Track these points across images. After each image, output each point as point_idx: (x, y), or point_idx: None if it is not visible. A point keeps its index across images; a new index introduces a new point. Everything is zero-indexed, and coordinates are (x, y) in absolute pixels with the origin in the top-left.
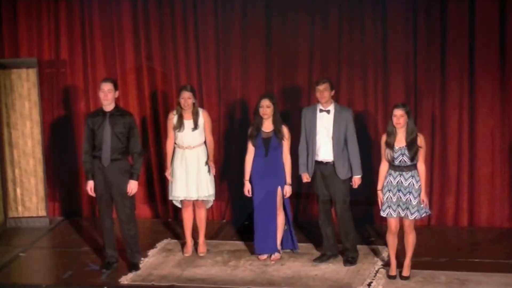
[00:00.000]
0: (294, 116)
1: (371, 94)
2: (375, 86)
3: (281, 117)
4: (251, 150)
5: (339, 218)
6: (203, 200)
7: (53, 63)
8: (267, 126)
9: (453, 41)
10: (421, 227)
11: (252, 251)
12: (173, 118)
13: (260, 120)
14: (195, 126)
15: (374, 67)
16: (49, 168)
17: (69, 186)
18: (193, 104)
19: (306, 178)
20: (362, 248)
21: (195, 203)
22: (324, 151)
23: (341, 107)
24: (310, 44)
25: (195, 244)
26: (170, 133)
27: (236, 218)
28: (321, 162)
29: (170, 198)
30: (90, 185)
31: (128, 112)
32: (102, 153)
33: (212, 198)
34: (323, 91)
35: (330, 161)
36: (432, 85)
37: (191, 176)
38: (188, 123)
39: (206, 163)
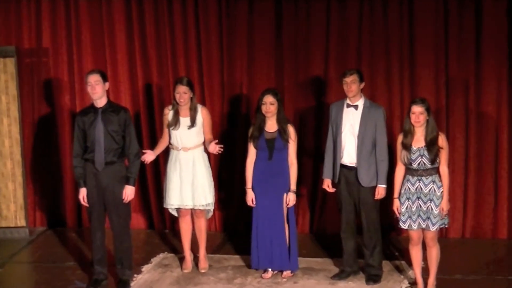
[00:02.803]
0: (307, 113)
1: (396, 88)
2: (401, 79)
3: (286, 115)
4: (252, 153)
5: (365, 231)
6: (201, 210)
7: (34, 52)
8: (271, 126)
9: (490, 26)
10: (453, 240)
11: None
12: (168, 114)
13: (262, 118)
14: (192, 124)
15: (399, 58)
16: (29, 171)
17: (52, 192)
18: (191, 99)
19: (327, 185)
20: (386, 265)
21: (193, 212)
22: (349, 152)
23: (372, 103)
24: (326, 31)
25: (195, 259)
26: (165, 129)
27: (242, 229)
28: (345, 166)
29: (165, 206)
30: (83, 193)
31: (123, 107)
32: (95, 155)
33: (210, 208)
34: (351, 83)
35: (354, 165)
36: (466, 77)
37: (186, 182)
38: (185, 120)
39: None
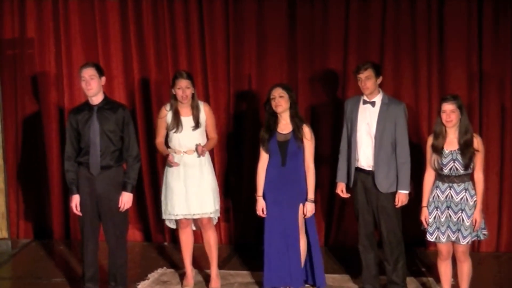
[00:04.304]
0: (323, 110)
1: (423, 83)
2: (429, 74)
3: (301, 114)
4: (264, 158)
5: (386, 243)
6: (209, 218)
7: (17, 43)
8: (284, 127)
9: None
10: (487, 254)
11: None
12: (167, 116)
13: (273, 118)
14: (197, 125)
15: (426, 51)
16: (11, 176)
17: (38, 200)
18: (193, 95)
19: (341, 190)
20: (411, 282)
21: (199, 224)
22: (365, 154)
23: (392, 99)
24: (345, 19)
25: (206, 277)
26: (161, 132)
27: (250, 242)
28: (362, 170)
29: (164, 217)
30: (76, 200)
31: (121, 105)
32: (89, 158)
33: (216, 215)
34: (366, 80)
35: (372, 168)
36: (502, 73)
37: (192, 188)
38: (187, 120)
39: (196, 149)
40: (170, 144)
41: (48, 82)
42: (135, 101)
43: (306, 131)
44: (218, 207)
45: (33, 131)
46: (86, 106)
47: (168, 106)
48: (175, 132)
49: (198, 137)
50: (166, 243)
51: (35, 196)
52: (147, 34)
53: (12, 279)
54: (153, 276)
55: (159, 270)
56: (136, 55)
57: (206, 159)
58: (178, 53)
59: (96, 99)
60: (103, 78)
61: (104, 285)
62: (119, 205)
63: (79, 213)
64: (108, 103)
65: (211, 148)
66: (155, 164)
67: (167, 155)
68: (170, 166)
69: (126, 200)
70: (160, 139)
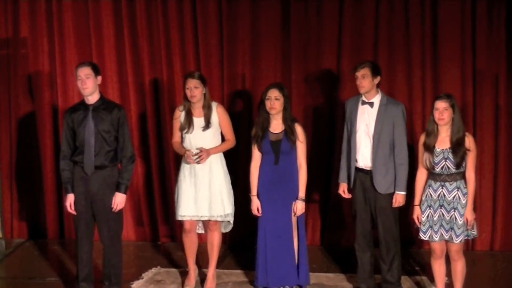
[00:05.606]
0: (317, 110)
1: (417, 83)
2: (423, 73)
3: (292, 114)
4: (256, 158)
5: (382, 242)
6: (217, 221)
7: (10, 43)
8: (276, 126)
9: None
10: (481, 253)
11: None
12: (180, 116)
13: (266, 117)
14: (207, 125)
15: (420, 50)
16: (5, 176)
17: (32, 199)
18: (204, 95)
19: (343, 190)
20: (405, 281)
21: (207, 224)
22: (364, 155)
23: (390, 99)
24: (339, 19)
25: (201, 276)
26: (176, 133)
27: (244, 241)
28: (361, 170)
29: (178, 218)
30: (70, 199)
31: (116, 105)
32: (84, 158)
33: (230, 219)
34: (361, 78)
35: (370, 168)
36: (496, 70)
37: (202, 190)
38: (199, 121)
39: (199, 153)
40: (183, 145)
41: (42, 81)
42: (129, 101)
43: (299, 131)
44: (230, 210)
45: (27, 131)
46: (82, 105)
47: (181, 107)
48: (186, 132)
49: (209, 138)
50: (160, 243)
51: (29, 195)
52: (141, 34)
53: (6, 279)
54: (147, 275)
55: (153, 270)
56: (130, 55)
57: (218, 161)
58: (172, 53)
59: (92, 98)
60: (99, 78)
61: (98, 285)
62: (112, 205)
63: (74, 212)
64: (104, 103)
65: (222, 150)
66: (149, 164)
67: (184, 153)
68: (188, 163)
69: (119, 200)
70: (176, 139)
